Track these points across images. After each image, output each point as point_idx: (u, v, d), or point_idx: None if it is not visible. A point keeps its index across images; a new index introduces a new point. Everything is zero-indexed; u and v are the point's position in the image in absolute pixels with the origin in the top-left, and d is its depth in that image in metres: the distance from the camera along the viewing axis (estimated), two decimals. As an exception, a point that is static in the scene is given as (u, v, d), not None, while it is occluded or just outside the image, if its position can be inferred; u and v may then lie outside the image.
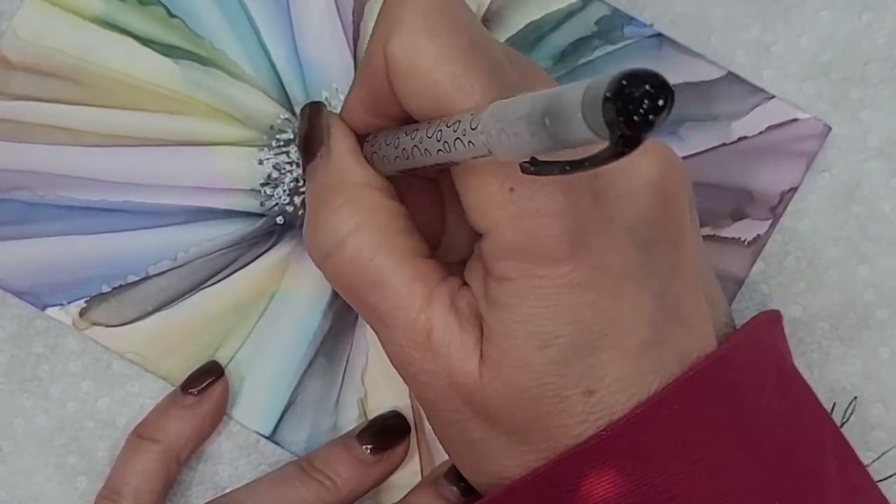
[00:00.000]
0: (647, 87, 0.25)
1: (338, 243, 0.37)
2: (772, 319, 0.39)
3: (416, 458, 0.45)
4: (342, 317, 0.45)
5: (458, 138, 0.32)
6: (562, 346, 0.34)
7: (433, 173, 0.40)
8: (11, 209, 0.45)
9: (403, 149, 0.35)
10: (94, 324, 0.45)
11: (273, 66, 0.46)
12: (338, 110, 0.45)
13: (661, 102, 0.25)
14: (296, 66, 0.46)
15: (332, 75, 0.46)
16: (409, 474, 0.44)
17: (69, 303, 0.45)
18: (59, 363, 0.45)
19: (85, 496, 0.45)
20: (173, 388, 0.45)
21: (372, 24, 0.45)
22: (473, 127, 0.31)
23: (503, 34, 0.46)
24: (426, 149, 0.34)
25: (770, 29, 0.46)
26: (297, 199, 0.45)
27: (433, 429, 0.39)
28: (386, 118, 0.38)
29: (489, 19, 0.45)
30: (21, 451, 0.45)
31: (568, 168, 0.28)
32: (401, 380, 0.44)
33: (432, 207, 0.41)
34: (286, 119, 0.46)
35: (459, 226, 0.40)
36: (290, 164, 0.45)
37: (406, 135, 0.35)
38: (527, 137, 0.28)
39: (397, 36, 0.35)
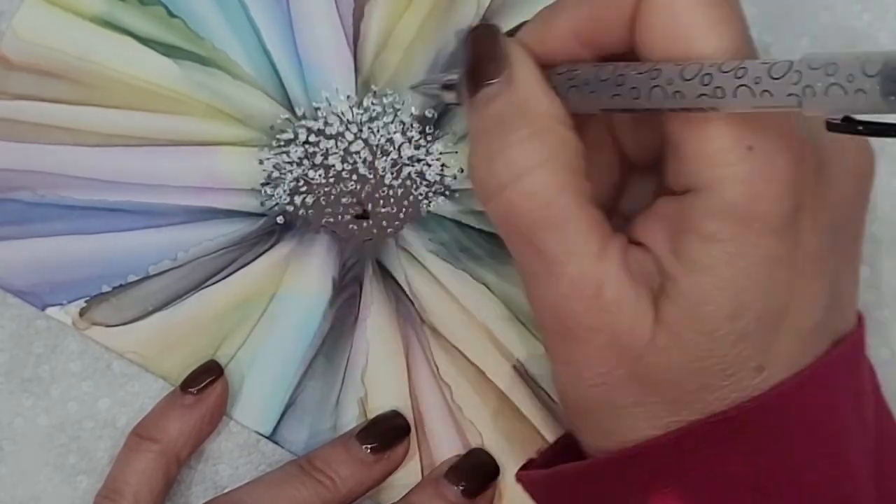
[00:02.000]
0: None
1: (519, 175, 0.35)
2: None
3: (417, 458, 0.45)
4: (342, 317, 0.45)
5: (742, 85, 0.30)
6: (749, 319, 0.34)
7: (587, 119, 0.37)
8: (12, 209, 0.45)
9: (633, 87, 0.33)
10: (95, 324, 0.45)
11: (273, 66, 0.46)
12: (339, 110, 0.45)
13: None
14: (296, 66, 0.46)
15: (332, 75, 0.46)
16: (409, 474, 0.44)
17: (69, 302, 0.45)
18: (59, 363, 0.45)
19: (85, 496, 0.45)
20: (173, 387, 0.45)
21: (372, 23, 0.45)
22: (776, 76, 0.29)
23: (503, 34, 0.46)
24: (677, 90, 0.32)
25: (770, 29, 0.46)
26: (298, 199, 0.45)
27: (563, 391, 0.37)
28: (595, 48, 0.35)
29: (489, 18, 0.45)
30: (21, 451, 0.45)
31: (894, 132, 0.27)
32: (401, 379, 0.45)
33: (602, 155, 0.39)
34: (286, 119, 0.46)
35: (595, 168, 0.38)
36: (291, 163, 0.46)
37: (639, 73, 0.33)
38: (876, 97, 0.27)
39: None
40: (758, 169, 0.32)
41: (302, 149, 0.46)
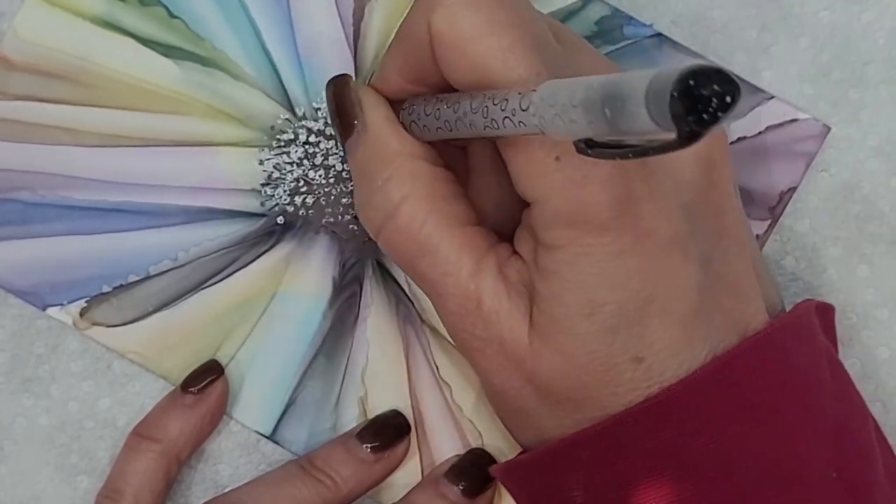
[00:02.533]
0: (714, 86, 0.25)
1: (388, 215, 0.37)
2: (819, 307, 0.39)
3: (417, 457, 0.45)
4: (342, 316, 0.45)
5: (507, 117, 0.32)
6: (609, 314, 0.35)
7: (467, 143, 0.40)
8: (12, 209, 0.45)
9: (446, 121, 0.35)
10: (95, 324, 0.45)
11: (273, 66, 0.46)
12: (338, 110, 0.45)
13: (728, 99, 0.25)
14: (296, 66, 0.46)
15: (332, 75, 0.46)
16: (409, 473, 0.44)
17: (70, 303, 0.45)
18: (59, 363, 0.45)
19: (85, 496, 0.45)
20: (174, 387, 0.45)
21: (372, 23, 0.45)
22: (524, 108, 0.31)
23: (503, 34, 0.46)
24: (471, 122, 0.34)
25: (770, 29, 0.46)
26: (298, 199, 0.45)
27: (488, 397, 0.39)
28: (424, 85, 0.38)
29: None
30: (22, 451, 0.45)
31: (630, 155, 0.28)
32: (401, 379, 0.45)
33: (464, 173, 0.41)
34: (286, 119, 0.46)
35: (497, 192, 0.40)
36: (291, 164, 0.46)
37: (448, 107, 0.35)
38: (583, 125, 0.28)
39: (442, 8, 0.35)
40: (569, 176, 0.34)
41: (302, 149, 0.46)
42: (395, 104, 0.39)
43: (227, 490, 0.44)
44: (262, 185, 0.46)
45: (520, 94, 0.32)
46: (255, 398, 0.45)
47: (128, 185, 0.45)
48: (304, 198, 0.45)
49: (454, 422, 0.45)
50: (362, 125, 0.39)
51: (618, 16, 0.45)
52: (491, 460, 0.44)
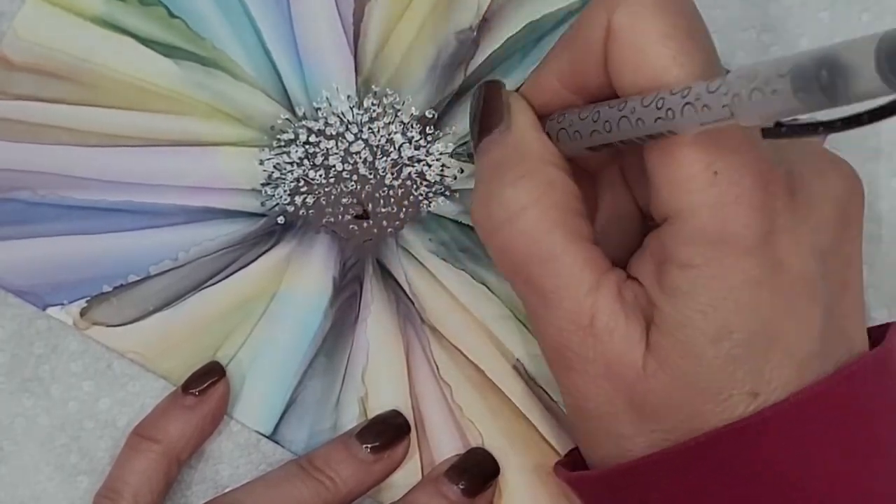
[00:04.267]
0: None
1: (513, 215, 0.36)
2: None
3: (417, 457, 0.45)
4: (343, 316, 0.45)
5: (688, 103, 0.31)
6: (736, 342, 0.34)
7: (600, 164, 0.40)
8: (12, 209, 0.45)
9: (606, 121, 0.35)
10: (95, 323, 0.45)
11: (274, 66, 0.46)
12: (339, 110, 0.46)
13: None
14: (296, 66, 0.46)
15: (332, 75, 0.46)
16: (409, 473, 0.44)
17: (70, 302, 0.45)
18: (59, 363, 0.45)
19: (85, 496, 0.45)
20: (174, 387, 0.45)
21: (372, 23, 0.45)
22: (712, 90, 0.31)
23: (503, 34, 0.46)
24: (639, 118, 0.33)
25: (770, 29, 0.46)
26: (298, 199, 0.45)
27: (570, 417, 0.38)
28: (582, 93, 0.37)
29: (489, 19, 0.46)
30: (22, 451, 0.45)
31: (839, 124, 0.28)
32: (401, 379, 0.45)
33: (589, 200, 0.40)
34: (287, 119, 0.46)
35: (616, 222, 0.39)
36: (291, 164, 0.46)
37: (611, 107, 0.35)
38: (788, 95, 0.28)
39: (626, 5, 0.34)
40: (724, 192, 0.33)
41: (302, 149, 0.46)
42: (541, 118, 0.39)
43: (226, 490, 0.44)
44: (263, 184, 0.46)
45: (706, 81, 0.31)
46: (256, 398, 0.45)
47: (128, 185, 0.45)
48: (305, 198, 0.45)
49: (454, 422, 0.45)
50: (506, 125, 0.38)
51: (618, 16, 0.45)
52: (491, 459, 0.44)
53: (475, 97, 0.40)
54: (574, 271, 0.36)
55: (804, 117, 0.29)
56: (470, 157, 0.45)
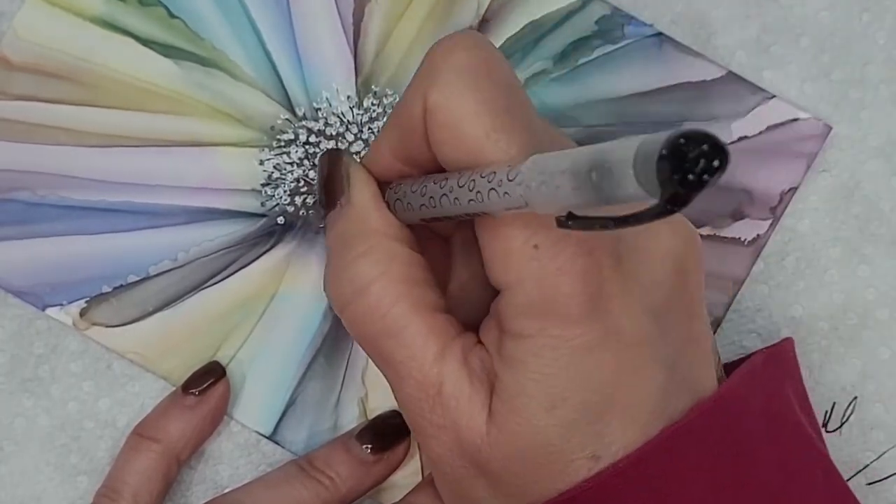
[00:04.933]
0: (703, 147, 0.25)
1: (358, 291, 0.37)
2: (768, 356, 0.39)
3: (417, 458, 0.45)
4: (342, 317, 0.45)
5: (492, 189, 0.32)
6: (569, 408, 0.34)
7: (449, 229, 0.40)
8: (12, 209, 0.45)
9: (431, 197, 0.36)
10: (95, 324, 0.45)
11: (273, 66, 0.46)
12: (339, 110, 0.46)
13: (716, 163, 0.25)
14: (296, 66, 0.46)
15: (332, 75, 0.46)
16: (409, 474, 0.44)
17: (70, 303, 0.45)
18: (59, 363, 0.45)
19: (85, 496, 0.45)
20: (174, 388, 0.45)
21: (372, 23, 0.45)
22: (511, 178, 0.31)
23: (503, 34, 0.46)
24: (456, 198, 0.34)
25: (770, 29, 0.46)
26: (298, 200, 0.45)
27: (437, 484, 0.39)
28: (413, 165, 0.38)
29: (489, 19, 0.46)
30: (22, 451, 0.45)
31: (612, 224, 0.28)
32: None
33: (442, 264, 0.41)
34: (287, 120, 0.46)
35: (472, 285, 0.40)
36: (291, 164, 0.46)
37: (434, 183, 0.35)
38: (568, 191, 0.28)
39: (439, 85, 0.35)
40: (545, 266, 0.34)
41: (302, 149, 0.46)
42: (382, 186, 0.39)
43: (226, 490, 0.44)
44: (263, 185, 0.46)
45: (509, 167, 0.32)
46: (256, 398, 0.45)
47: (128, 185, 0.45)
48: (305, 198, 0.45)
49: (454, 422, 0.45)
50: (347, 199, 0.39)
51: (618, 15, 0.45)
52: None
53: (319, 168, 0.40)
54: (418, 342, 0.36)
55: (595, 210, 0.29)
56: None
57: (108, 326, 0.45)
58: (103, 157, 0.45)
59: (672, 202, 0.26)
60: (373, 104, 0.46)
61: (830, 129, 0.45)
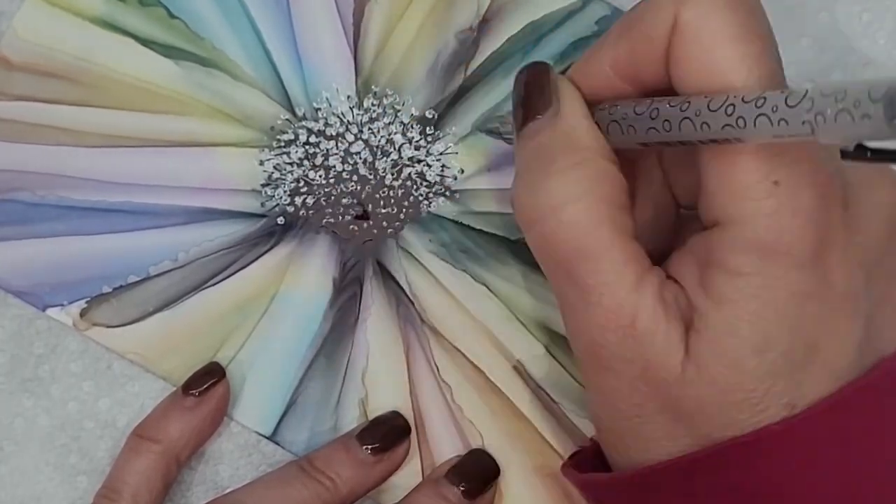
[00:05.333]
0: None
1: (559, 206, 0.35)
2: None
3: (417, 458, 0.45)
4: (343, 317, 0.45)
5: (762, 114, 0.30)
6: (778, 354, 0.33)
7: (637, 154, 0.38)
8: (12, 209, 0.45)
9: (666, 119, 0.34)
10: (95, 324, 0.45)
11: (273, 66, 0.46)
12: (339, 110, 0.46)
13: None
14: (296, 66, 0.46)
15: (332, 75, 0.46)
16: (409, 474, 0.44)
17: (70, 303, 0.45)
18: (59, 363, 0.45)
19: (85, 496, 0.45)
20: (174, 388, 0.45)
21: (372, 23, 0.45)
22: (792, 104, 0.30)
23: (503, 34, 0.46)
24: (705, 122, 0.32)
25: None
26: (298, 200, 0.45)
27: (597, 416, 0.37)
28: (636, 83, 0.36)
29: (489, 19, 0.46)
30: (22, 451, 0.45)
31: None
32: (401, 380, 0.45)
33: (657, 198, 0.39)
34: (287, 120, 0.46)
35: (654, 214, 0.39)
36: (291, 164, 0.46)
37: (671, 106, 0.34)
38: (880, 120, 0.27)
39: (696, 1, 0.34)
40: (783, 204, 0.33)
41: (302, 149, 0.46)
42: (589, 105, 0.37)
43: (227, 491, 0.44)
44: (263, 185, 0.46)
45: (783, 92, 0.30)
46: (256, 399, 0.45)
47: (128, 185, 0.45)
48: (305, 198, 0.45)
49: (454, 422, 0.45)
50: (555, 111, 0.37)
51: (618, 15, 0.45)
52: (491, 461, 0.44)
53: (519, 79, 0.38)
54: (617, 269, 0.35)
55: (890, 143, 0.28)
56: (501, 135, 0.44)
57: (108, 326, 0.45)
58: (103, 157, 0.45)
59: None
60: (373, 104, 0.46)
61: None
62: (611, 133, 0.36)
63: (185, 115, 0.46)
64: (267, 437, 0.45)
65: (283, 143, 0.46)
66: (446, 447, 0.45)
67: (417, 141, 0.46)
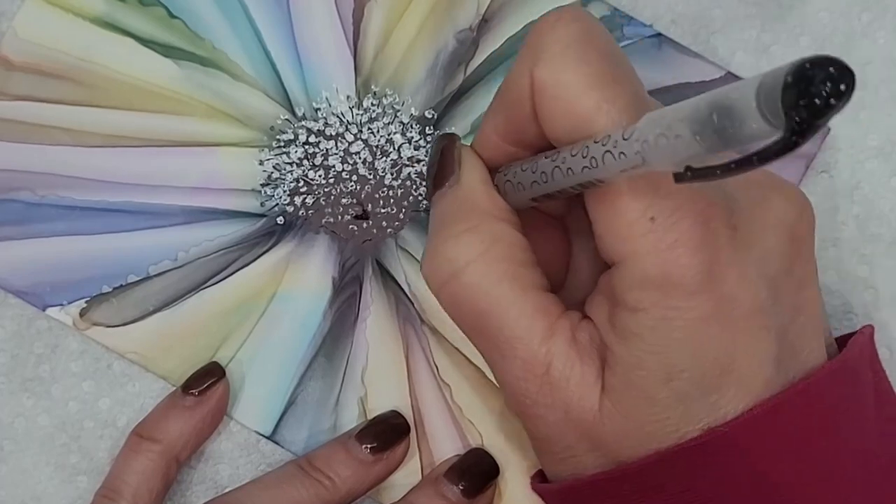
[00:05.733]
0: (830, 70, 0.25)
1: (459, 269, 0.37)
2: (868, 336, 0.39)
3: (417, 458, 0.45)
4: (342, 317, 0.45)
5: (607, 151, 0.32)
6: (686, 380, 0.34)
7: (562, 211, 0.40)
8: (12, 209, 0.45)
9: (543, 172, 0.35)
10: (95, 324, 0.45)
11: (273, 66, 0.46)
12: (339, 110, 0.46)
13: (842, 87, 0.25)
14: (296, 66, 0.46)
15: (332, 75, 0.46)
16: (409, 473, 0.44)
17: (70, 303, 0.45)
18: (59, 363, 0.45)
19: (85, 496, 0.45)
20: (174, 388, 0.45)
21: (372, 23, 0.45)
22: (626, 137, 0.31)
23: (503, 34, 0.46)
24: (569, 168, 0.34)
25: (770, 29, 0.46)
26: (298, 200, 0.45)
27: (542, 463, 0.39)
28: (521, 145, 0.38)
29: (489, 19, 0.46)
30: (22, 451, 0.45)
31: (734, 167, 0.27)
32: (401, 379, 0.45)
33: (556, 246, 0.41)
34: (286, 120, 0.46)
35: (583, 264, 0.40)
36: (291, 164, 0.46)
37: (546, 158, 0.35)
38: (688, 139, 0.28)
39: (546, 61, 0.35)
40: (661, 238, 0.33)
41: (302, 149, 0.46)
42: (491, 171, 0.39)
43: (226, 490, 0.44)
44: (262, 185, 0.46)
45: (623, 128, 0.32)
46: (255, 398, 0.45)
47: (128, 185, 0.45)
48: (304, 198, 0.45)
49: (454, 422, 0.45)
50: (456, 179, 0.38)
51: (618, 16, 0.45)
52: (491, 460, 0.44)
53: (432, 150, 0.40)
54: (524, 322, 0.36)
55: (714, 160, 0.29)
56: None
57: (108, 326, 0.45)
58: (103, 157, 0.46)
59: (798, 132, 0.25)
60: (372, 104, 0.46)
61: (829, 129, 0.45)
62: (508, 193, 0.38)
63: (185, 116, 0.46)
64: (266, 437, 0.45)
65: (282, 143, 0.46)
66: (446, 446, 0.45)
67: (417, 141, 0.46)
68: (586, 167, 0.33)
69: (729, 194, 0.35)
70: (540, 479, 0.40)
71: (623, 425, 0.35)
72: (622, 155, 0.31)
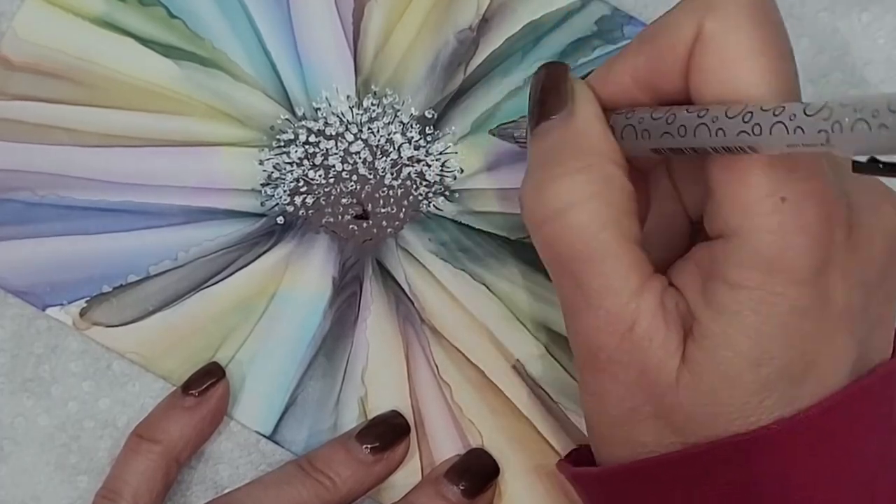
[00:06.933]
0: None
1: (566, 207, 0.35)
2: None
3: (417, 458, 0.45)
4: (342, 317, 0.45)
5: (779, 122, 0.31)
6: (774, 368, 0.34)
7: (650, 164, 0.39)
8: (12, 209, 0.45)
9: (682, 125, 0.34)
10: (95, 324, 0.45)
11: (273, 66, 0.46)
12: (339, 110, 0.46)
13: None
14: (296, 66, 0.46)
15: (332, 75, 0.46)
16: (409, 473, 0.44)
17: (70, 303, 0.45)
18: (59, 363, 0.45)
19: (85, 496, 0.45)
20: (174, 388, 0.45)
21: (372, 23, 0.45)
22: (810, 113, 0.30)
23: (503, 34, 0.46)
24: (720, 128, 0.32)
25: (770, 29, 0.46)
26: (298, 200, 0.45)
27: (589, 417, 0.38)
28: (652, 93, 0.36)
29: (489, 19, 0.46)
30: (22, 451, 0.45)
31: None
32: (401, 379, 0.45)
33: (640, 203, 0.39)
34: (286, 119, 0.46)
35: (662, 224, 0.39)
36: (291, 164, 0.46)
37: (689, 112, 0.34)
38: None
39: (720, 14, 0.34)
40: (788, 220, 0.33)
41: (302, 149, 0.46)
42: (604, 110, 0.37)
43: (226, 490, 0.44)
44: (262, 185, 0.46)
45: (802, 103, 0.31)
46: (255, 398, 0.45)
47: (127, 185, 0.45)
48: (304, 198, 0.45)
49: (454, 422, 0.45)
50: (569, 112, 0.37)
51: (618, 15, 0.45)
52: (491, 460, 0.44)
53: (536, 77, 0.38)
54: (621, 273, 0.35)
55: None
56: (515, 140, 0.43)
57: (108, 326, 0.45)
58: (103, 157, 0.46)
59: None
60: (372, 104, 0.46)
61: (830, 128, 0.45)
62: (624, 138, 0.37)
63: (185, 115, 0.46)
64: (266, 437, 0.45)
65: (282, 143, 0.46)
66: (446, 446, 0.45)
67: (417, 140, 0.46)
68: (744, 132, 0.32)
69: (846, 191, 0.35)
70: (568, 461, 0.39)
71: (697, 400, 0.34)
72: (799, 130, 0.30)
